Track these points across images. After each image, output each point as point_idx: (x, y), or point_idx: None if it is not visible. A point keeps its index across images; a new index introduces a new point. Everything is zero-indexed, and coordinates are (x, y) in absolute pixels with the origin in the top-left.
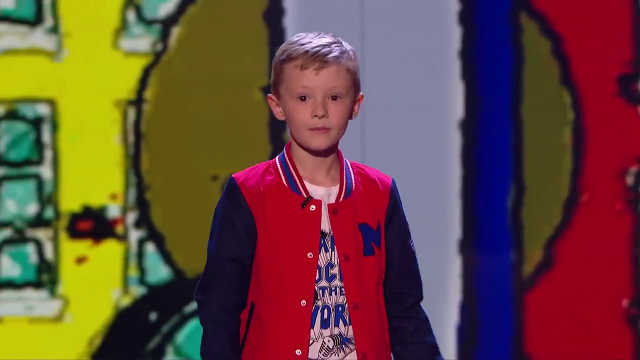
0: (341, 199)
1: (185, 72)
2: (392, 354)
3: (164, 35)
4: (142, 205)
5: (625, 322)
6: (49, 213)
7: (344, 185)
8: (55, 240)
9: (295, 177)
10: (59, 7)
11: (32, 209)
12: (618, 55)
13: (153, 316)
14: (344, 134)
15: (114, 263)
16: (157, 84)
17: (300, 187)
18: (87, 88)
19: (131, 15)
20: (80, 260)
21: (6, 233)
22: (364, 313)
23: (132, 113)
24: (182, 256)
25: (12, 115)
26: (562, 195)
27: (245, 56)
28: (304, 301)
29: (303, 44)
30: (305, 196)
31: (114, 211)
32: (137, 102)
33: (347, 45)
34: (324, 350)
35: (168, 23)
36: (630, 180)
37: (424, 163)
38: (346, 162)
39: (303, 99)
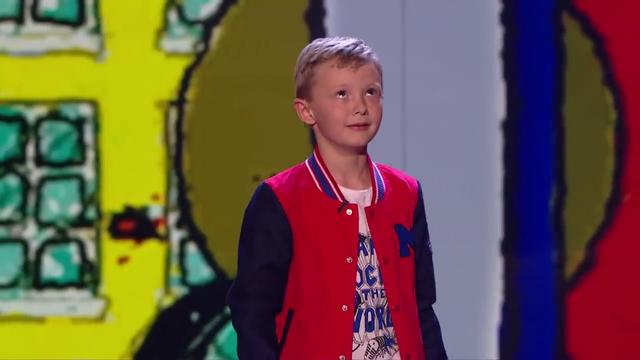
0: (376, 201)
1: (226, 73)
2: None
3: (206, 36)
4: (184, 205)
5: None
6: (91, 213)
7: (377, 188)
8: (97, 240)
9: (330, 182)
10: (101, 7)
11: (74, 209)
12: None
13: (195, 316)
14: (383, 136)
15: (155, 263)
16: (199, 85)
17: (336, 191)
18: (129, 89)
19: (173, 16)
20: (122, 260)
21: (49, 233)
22: (405, 314)
23: (173, 114)
24: (224, 257)
25: (55, 115)
26: (604, 195)
27: (287, 57)
28: (345, 306)
29: (332, 45)
30: (342, 201)
31: (155, 211)
32: (179, 102)
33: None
34: (369, 353)
35: (209, 24)
36: None
37: (465, 163)
38: (374, 165)
39: (342, 94)
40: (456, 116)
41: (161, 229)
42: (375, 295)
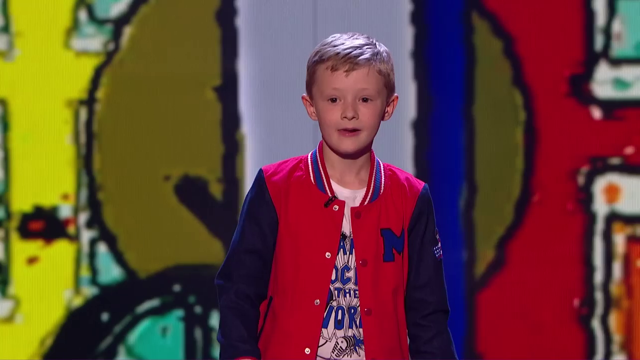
0: (366, 203)
1: (137, 72)
2: None
3: (116, 35)
4: (94, 205)
5: (577, 321)
6: None
7: (372, 189)
8: (6, 240)
9: (323, 176)
10: (9, 6)
11: None
12: (569, 55)
13: (105, 316)
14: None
15: (65, 263)
16: (109, 84)
17: (327, 186)
18: (39, 88)
19: (83, 15)
20: (32, 260)
21: None
22: (377, 319)
23: (83, 113)
24: (134, 256)
25: None
26: (514, 195)
27: (198, 56)
28: (317, 300)
29: (335, 46)
30: (330, 195)
31: (65, 211)
32: (89, 101)
33: (381, 47)
34: (336, 351)
35: (120, 23)
36: (581, 180)
37: None
38: (378, 164)
39: (333, 100)
40: None
41: (71, 229)
42: (347, 295)
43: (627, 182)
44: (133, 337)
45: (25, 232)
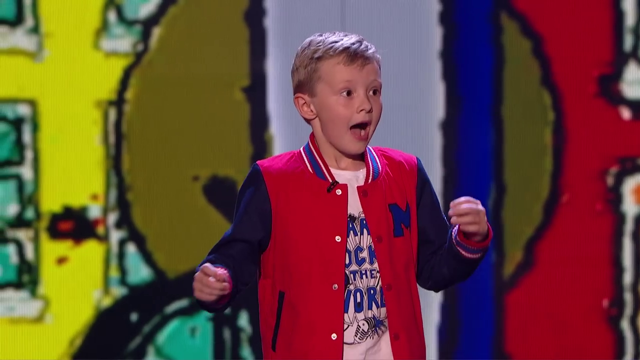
0: (369, 181)
1: (166, 72)
2: (440, 278)
3: (145, 36)
4: (123, 205)
5: (606, 322)
6: (29, 213)
7: (371, 168)
8: (35, 240)
9: (321, 164)
10: (39, 7)
11: (12, 209)
12: (598, 55)
13: (134, 317)
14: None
15: (94, 263)
16: (138, 85)
17: (326, 172)
18: (68, 88)
19: (112, 16)
20: (61, 260)
21: None
22: (397, 294)
23: (113, 113)
24: (163, 257)
25: None
26: (543, 195)
27: (226, 57)
28: (335, 285)
29: (337, 41)
30: (331, 181)
31: (94, 212)
32: (118, 102)
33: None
34: (359, 334)
35: (149, 23)
36: (610, 180)
37: None
38: (368, 147)
39: (349, 93)
40: (396, 116)
41: (100, 229)
42: (364, 276)
43: None
44: (162, 337)
45: (55, 233)
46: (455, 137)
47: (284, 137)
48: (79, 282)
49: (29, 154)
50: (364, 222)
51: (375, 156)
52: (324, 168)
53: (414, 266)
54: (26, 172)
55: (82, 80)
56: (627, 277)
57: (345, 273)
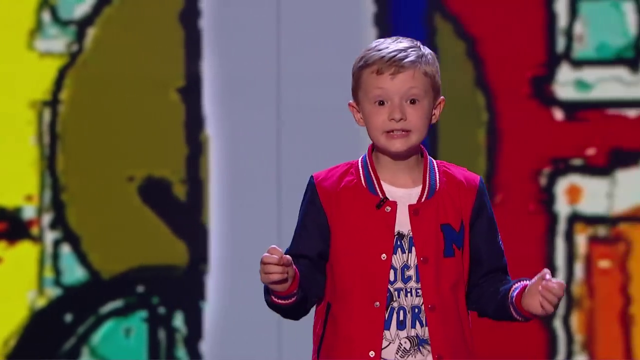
0: (423, 199)
1: (100, 73)
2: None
3: (80, 36)
4: (58, 206)
5: (538, 321)
6: None
7: (427, 186)
8: None
9: (374, 178)
10: None
11: None
12: (531, 57)
13: (68, 317)
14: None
15: (29, 264)
16: (73, 85)
17: (378, 188)
18: (2, 89)
19: (46, 16)
20: None
21: None
22: (441, 315)
23: (47, 114)
24: (98, 257)
25: None
26: None
27: (161, 57)
28: (377, 303)
29: (380, 50)
30: (381, 197)
31: (29, 212)
32: (53, 103)
33: (425, 50)
34: (400, 352)
35: (83, 24)
36: (543, 181)
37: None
38: (431, 162)
39: (381, 103)
40: (333, 117)
41: (35, 230)
42: (409, 294)
43: (589, 183)
44: (97, 338)
45: None
46: None
47: (219, 138)
48: (13, 283)
49: None
50: (412, 240)
51: (437, 172)
52: (376, 183)
53: (464, 287)
54: None
55: (17, 81)
56: (560, 277)
57: (390, 290)
